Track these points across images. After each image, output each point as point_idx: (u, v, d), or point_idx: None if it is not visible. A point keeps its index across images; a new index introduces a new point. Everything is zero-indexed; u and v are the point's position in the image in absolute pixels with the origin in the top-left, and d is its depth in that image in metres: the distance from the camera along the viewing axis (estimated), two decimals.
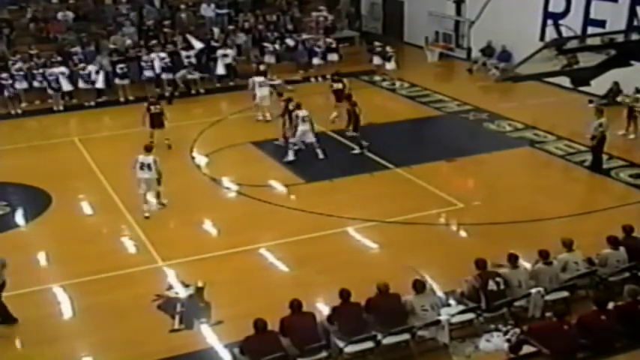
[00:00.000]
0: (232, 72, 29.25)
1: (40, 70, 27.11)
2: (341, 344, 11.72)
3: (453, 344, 12.22)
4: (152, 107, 21.98)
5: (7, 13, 31.22)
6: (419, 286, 12.26)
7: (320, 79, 29.78)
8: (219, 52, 28.98)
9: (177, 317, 13.52)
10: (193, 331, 13.17)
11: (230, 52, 29.26)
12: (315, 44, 30.79)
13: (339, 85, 24.26)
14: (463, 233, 16.73)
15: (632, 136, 21.84)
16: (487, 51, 30.34)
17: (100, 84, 27.32)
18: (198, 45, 28.47)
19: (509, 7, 28.30)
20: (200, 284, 14.45)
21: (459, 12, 32.91)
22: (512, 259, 13.03)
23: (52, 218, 17.85)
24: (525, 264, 13.61)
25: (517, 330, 12.23)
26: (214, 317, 13.48)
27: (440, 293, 13.51)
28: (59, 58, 27.77)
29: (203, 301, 14.03)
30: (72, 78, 27.27)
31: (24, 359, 12.49)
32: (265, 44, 30.61)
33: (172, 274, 14.97)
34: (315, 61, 30.44)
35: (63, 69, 27.18)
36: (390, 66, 29.16)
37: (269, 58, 30.10)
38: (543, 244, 13.33)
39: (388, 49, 29.39)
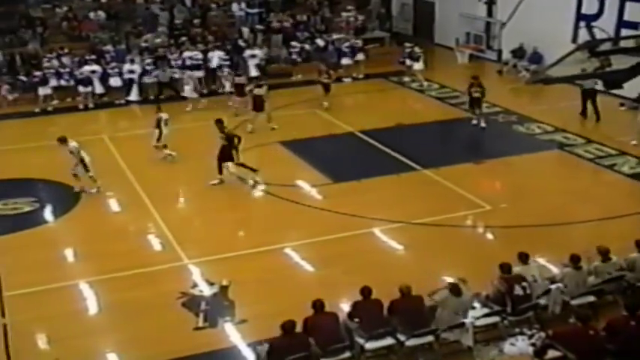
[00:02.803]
0: (261, 72, 29.26)
1: (68, 69, 27.38)
2: (361, 341, 11.68)
3: (477, 347, 12.12)
4: (256, 90, 22.86)
5: (41, 12, 31.55)
6: (455, 290, 12.19)
7: (349, 79, 29.72)
8: (247, 52, 29.01)
9: (201, 315, 13.56)
10: (217, 329, 13.18)
11: (258, 52, 29.23)
12: (343, 44, 30.74)
13: (261, 92, 23.45)
14: (490, 236, 16.63)
15: None
16: (518, 53, 30.09)
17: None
18: None
19: (542, 8, 28.07)
20: (225, 283, 14.48)
21: (490, 13, 32.70)
22: (523, 257, 13.04)
23: (80, 215, 18.02)
24: (552, 268, 13.49)
25: (542, 334, 12.12)
26: (238, 316, 13.49)
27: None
28: (93, 57, 28.07)
29: (227, 299, 14.05)
30: (103, 76, 27.52)
31: (50, 354, 12.52)
32: (293, 43, 30.57)
33: (197, 272, 15.01)
34: (344, 61, 30.43)
35: (95, 67, 27.47)
36: (417, 66, 29.07)
37: (296, 57, 29.97)
38: (570, 248, 13.22)
39: (417, 49, 29.31)
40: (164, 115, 21.18)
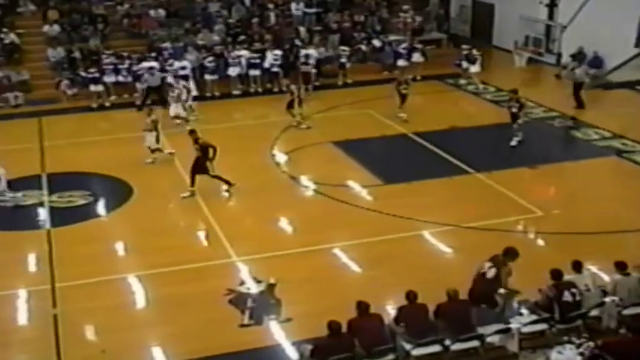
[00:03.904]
0: (310, 77, 29.19)
1: (126, 65, 27.87)
2: (408, 347, 11.59)
3: (523, 354, 11.93)
4: (401, 87, 23.21)
5: (103, 9, 32.06)
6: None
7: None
8: (302, 52, 29.07)
9: (247, 312, 13.62)
10: (262, 327, 13.23)
11: (312, 51, 29.27)
12: (400, 46, 30.63)
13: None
14: (540, 242, 16.35)
15: None
16: (578, 56, 29.58)
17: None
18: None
19: (604, 11, 27.60)
20: (272, 281, 14.52)
21: (551, 16, 32.22)
22: (576, 266, 12.75)
23: (132, 209, 18.27)
24: (604, 276, 13.24)
25: (591, 344, 11.86)
26: (284, 314, 13.52)
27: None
28: (153, 54, 28.45)
29: (274, 297, 14.09)
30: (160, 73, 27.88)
31: (97, 345, 12.70)
32: (342, 47, 30.48)
33: (245, 270, 15.09)
34: (400, 62, 30.30)
35: (153, 63, 27.83)
36: (474, 69, 28.81)
37: (345, 61, 29.94)
38: (623, 257, 12.89)
39: (474, 51, 29.06)
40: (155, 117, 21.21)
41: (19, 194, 18.92)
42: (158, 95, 26.81)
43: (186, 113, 23.81)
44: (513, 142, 21.59)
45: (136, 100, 27.19)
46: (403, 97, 24.27)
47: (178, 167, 20.51)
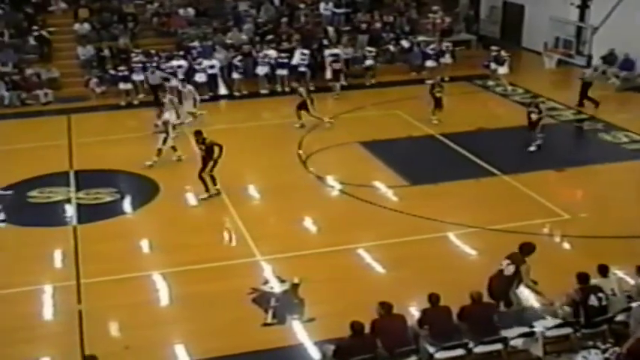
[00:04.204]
0: (340, 75, 29.19)
1: (155, 64, 28.03)
2: (431, 350, 11.53)
3: (547, 358, 11.83)
4: (435, 90, 23.13)
5: (133, 8, 32.29)
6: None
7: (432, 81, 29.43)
8: (327, 52, 29.05)
9: (270, 312, 13.63)
10: (285, 326, 13.23)
11: (338, 51, 29.22)
12: (429, 47, 30.53)
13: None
14: (567, 245, 16.21)
15: None
16: (609, 59, 29.32)
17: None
18: None
19: (636, 13, 27.28)
20: (296, 280, 14.52)
21: (582, 18, 31.92)
22: (603, 270, 12.57)
23: (158, 207, 18.37)
24: (630, 281, 13.09)
25: (617, 349, 11.73)
26: (307, 314, 13.52)
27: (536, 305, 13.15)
28: (181, 52, 28.60)
29: (297, 297, 14.09)
30: (188, 72, 28.02)
31: (121, 342, 12.78)
32: (369, 48, 30.42)
33: (269, 269, 15.10)
34: (429, 63, 30.21)
35: (182, 62, 28.00)
36: (502, 70, 28.63)
37: (369, 63, 29.87)
38: None
39: (503, 53, 28.87)
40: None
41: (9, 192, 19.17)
42: (155, 95, 26.84)
43: (180, 120, 22.83)
44: (532, 148, 21.27)
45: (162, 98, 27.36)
46: (437, 101, 23.94)
47: None
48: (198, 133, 18.69)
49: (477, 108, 21.72)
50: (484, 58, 30.15)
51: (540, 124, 21.16)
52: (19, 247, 16.49)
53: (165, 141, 20.65)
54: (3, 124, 25.40)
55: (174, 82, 26.80)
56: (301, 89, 24.38)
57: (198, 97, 24.65)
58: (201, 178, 18.49)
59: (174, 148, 20.79)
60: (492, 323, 11.82)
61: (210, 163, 18.35)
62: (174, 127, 21.35)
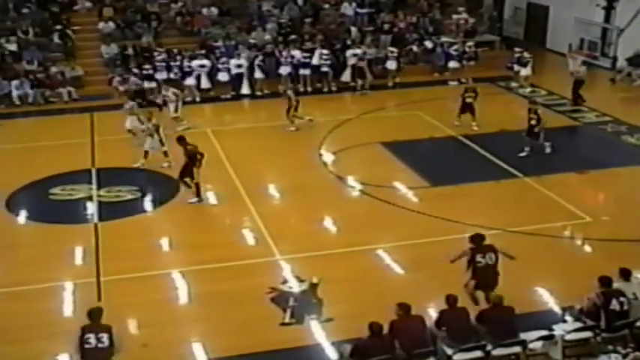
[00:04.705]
0: (366, 73, 29.12)
1: (178, 62, 28.15)
2: (449, 351, 11.49)
3: None
4: (466, 94, 23.02)
5: (157, 7, 32.42)
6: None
7: (455, 82, 29.35)
8: (349, 51, 29.03)
9: (288, 311, 13.64)
10: (303, 326, 13.24)
11: (359, 51, 29.17)
12: (452, 47, 30.43)
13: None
14: (588, 248, 16.06)
15: None
16: (634, 60, 29.05)
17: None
18: None
19: None
20: (315, 280, 14.53)
21: (607, 19, 31.67)
22: (625, 273, 12.50)
23: (178, 205, 18.43)
24: None
25: (637, 354, 11.62)
26: (325, 314, 13.52)
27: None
28: (203, 51, 28.69)
29: (316, 297, 14.09)
30: (211, 71, 28.13)
31: (139, 339, 12.82)
32: (390, 49, 30.34)
33: (288, 269, 15.11)
34: (452, 64, 30.11)
35: (205, 61, 28.09)
36: (524, 72, 28.42)
37: (391, 64, 29.78)
38: None
39: (526, 54, 28.68)
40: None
41: None
42: (141, 98, 26.70)
43: (144, 126, 21.47)
44: (523, 153, 20.90)
45: (185, 97, 27.45)
46: (465, 106, 23.51)
47: (226, 164, 20.65)
48: (181, 139, 18.48)
49: (499, 109, 21.57)
50: (507, 60, 29.95)
51: (541, 131, 20.76)
52: (40, 244, 16.64)
53: (161, 142, 20.54)
54: (27, 121, 25.63)
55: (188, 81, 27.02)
56: (289, 92, 24.10)
57: (180, 103, 24.09)
58: (184, 182, 18.41)
59: (165, 154, 20.63)
60: (512, 326, 11.74)
61: (194, 170, 18.15)
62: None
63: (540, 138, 20.85)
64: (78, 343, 11.05)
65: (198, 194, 18.36)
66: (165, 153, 20.41)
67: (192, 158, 18.15)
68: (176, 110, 23.81)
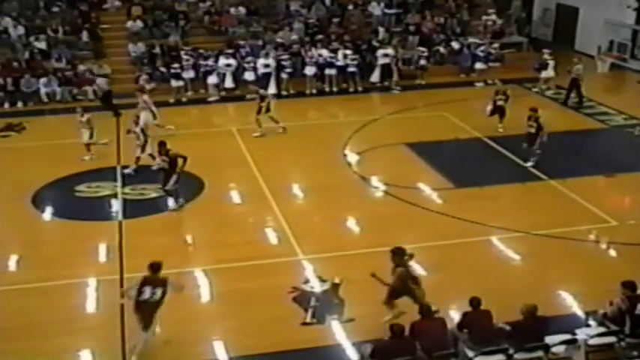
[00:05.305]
0: (395, 72, 29.08)
1: (203, 61, 28.27)
2: (471, 354, 11.44)
3: None
4: (497, 97, 22.87)
5: (186, 6, 32.57)
6: None
7: (482, 83, 29.19)
8: (380, 51, 28.99)
9: (310, 311, 13.63)
10: (324, 326, 13.23)
11: (390, 51, 29.15)
12: (478, 49, 30.30)
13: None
14: (613, 252, 15.88)
15: None
16: None
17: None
18: None
19: None
20: (337, 280, 14.51)
21: (638, 21, 31.37)
22: None
23: (202, 204, 18.49)
24: None
25: None
26: (347, 314, 13.49)
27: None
28: (230, 51, 28.78)
29: (338, 297, 14.07)
30: (237, 70, 28.23)
31: (161, 336, 12.81)
32: (420, 48, 30.28)
33: (311, 268, 15.10)
34: (478, 65, 29.98)
35: (231, 61, 28.18)
36: (544, 74, 28.13)
37: (422, 63, 29.79)
38: None
39: (546, 56, 28.38)
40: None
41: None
42: (106, 102, 26.59)
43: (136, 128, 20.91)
44: (529, 163, 20.30)
45: (208, 97, 27.56)
46: (496, 109, 23.27)
47: (250, 164, 20.69)
48: (162, 144, 18.03)
49: (525, 111, 21.40)
50: (535, 61, 29.71)
51: (539, 139, 20.20)
52: (65, 241, 16.77)
53: (143, 148, 20.37)
54: (54, 119, 25.83)
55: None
56: (262, 91, 23.80)
57: (155, 110, 23.21)
58: (165, 190, 18.14)
59: (152, 156, 20.40)
60: (536, 331, 11.62)
61: (174, 176, 17.87)
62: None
63: (535, 145, 20.19)
64: (135, 293, 12.06)
65: (177, 200, 18.09)
66: (152, 156, 19.89)
67: (174, 164, 17.84)
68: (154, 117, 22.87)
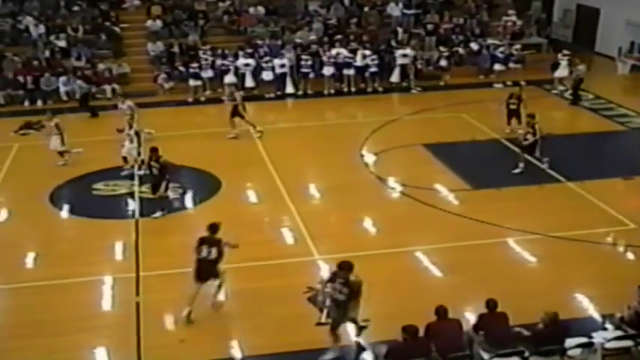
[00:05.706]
0: (411, 72, 29.00)
1: (220, 61, 28.37)
2: (486, 356, 11.39)
3: None
4: (510, 100, 22.75)
5: (205, 5, 32.67)
6: None
7: (500, 85, 29.04)
8: (399, 52, 28.94)
9: (325, 311, 13.55)
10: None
11: (409, 51, 29.08)
12: (497, 50, 30.18)
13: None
14: (631, 255, 15.71)
15: None
16: None
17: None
18: None
19: None
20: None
21: None
22: None
23: (219, 203, 18.52)
24: None
25: None
26: (362, 315, 13.41)
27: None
28: (249, 50, 28.82)
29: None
30: (256, 70, 28.26)
31: (176, 334, 12.94)
32: (441, 48, 30.21)
33: (326, 268, 15.02)
34: (497, 67, 29.86)
35: (249, 60, 28.23)
36: (557, 73, 27.98)
37: (443, 63, 29.73)
38: None
39: (559, 56, 28.23)
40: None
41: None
42: (84, 103, 26.63)
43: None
44: (517, 170, 20.04)
45: (221, 96, 27.57)
46: (511, 113, 22.98)
47: (267, 163, 20.71)
48: (153, 150, 17.94)
49: (544, 113, 21.30)
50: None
51: (538, 146, 20.06)
52: (82, 238, 16.90)
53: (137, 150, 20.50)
54: (73, 117, 25.89)
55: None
56: (237, 94, 23.61)
57: (136, 114, 22.08)
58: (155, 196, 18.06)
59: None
60: (556, 335, 11.53)
61: (164, 183, 17.87)
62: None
63: (536, 152, 20.10)
64: (195, 252, 13.25)
65: (162, 211, 17.88)
66: (143, 162, 19.94)
67: (164, 170, 17.82)
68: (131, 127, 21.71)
